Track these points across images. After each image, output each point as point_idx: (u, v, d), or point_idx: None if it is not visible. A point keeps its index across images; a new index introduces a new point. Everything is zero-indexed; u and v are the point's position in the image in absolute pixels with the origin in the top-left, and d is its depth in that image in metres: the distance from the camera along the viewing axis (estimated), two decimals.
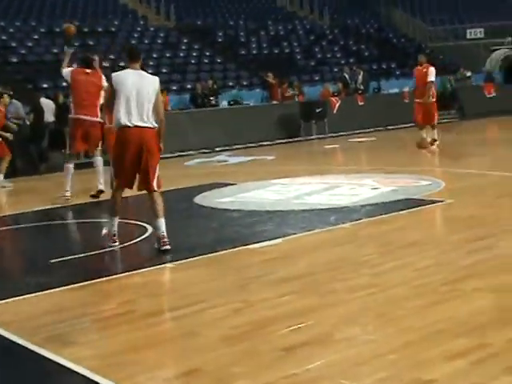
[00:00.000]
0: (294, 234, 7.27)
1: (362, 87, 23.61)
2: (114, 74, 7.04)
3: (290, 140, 19.44)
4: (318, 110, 20.30)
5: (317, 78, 27.12)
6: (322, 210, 8.54)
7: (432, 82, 14.46)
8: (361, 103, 21.99)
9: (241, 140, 18.70)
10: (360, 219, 7.77)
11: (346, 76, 24.67)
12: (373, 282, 5.32)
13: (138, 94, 6.74)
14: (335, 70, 28.36)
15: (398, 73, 29.26)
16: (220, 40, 29.69)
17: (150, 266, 6.30)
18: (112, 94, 6.92)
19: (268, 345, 4.15)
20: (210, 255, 6.55)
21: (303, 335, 4.27)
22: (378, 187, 9.91)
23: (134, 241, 7.40)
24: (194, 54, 27.45)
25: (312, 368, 3.74)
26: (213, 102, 21.18)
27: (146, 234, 7.55)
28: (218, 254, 6.59)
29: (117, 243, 7.02)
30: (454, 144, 16.69)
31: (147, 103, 6.76)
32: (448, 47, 33.77)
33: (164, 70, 23.53)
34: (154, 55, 26.09)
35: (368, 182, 10.47)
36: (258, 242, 6.96)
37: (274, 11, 35.42)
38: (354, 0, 40.17)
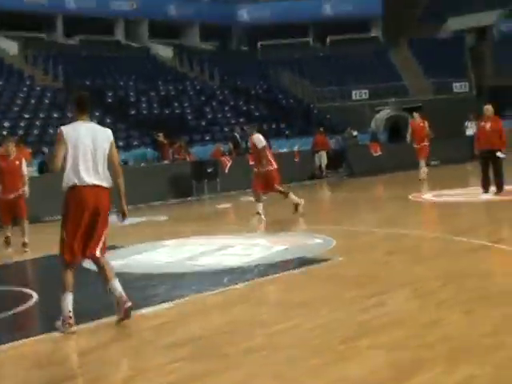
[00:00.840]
0: (186, 296, 7.15)
1: None
2: (63, 128, 6.29)
3: (183, 200, 19.39)
4: (209, 170, 20.38)
5: (208, 138, 27.37)
6: (214, 271, 8.46)
7: (264, 147, 13.45)
8: (251, 162, 22.16)
9: (131, 201, 18.37)
10: (252, 279, 7.73)
11: (237, 136, 24.97)
12: (268, 343, 5.27)
13: (93, 148, 6.18)
14: (226, 129, 28.72)
15: (287, 132, 29.90)
16: (110, 100, 29.57)
17: (37, 335, 6.01)
18: (61, 150, 6.17)
19: None
20: (98, 321, 6.31)
21: None
22: (270, 246, 9.95)
23: (19, 309, 7.07)
24: None
25: None
26: None
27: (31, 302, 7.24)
28: (108, 319, 6.36)
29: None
30: (343, 202, 17.11)
31: (102, 159, 6.24)
32: (335, 108, 34.97)
33: (51, 131, 23.07)
34: (41, 115, 25.65)
35: (260, 242, 10.51)
36: (149, 306, 6.79)
37: (164, 72, 35.70)
38: (243, 61, 41.13)
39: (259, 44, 43.36)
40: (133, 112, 28.85)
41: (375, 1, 44.49)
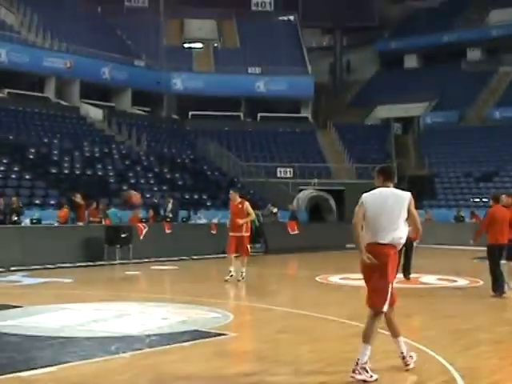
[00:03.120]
0: (71, 362, 7.11)
1: (170, 215, 24.03)
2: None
3: (92, 264, 19.20)
4: (123, 235, 20.30)
5: None
6: (106, 338, 8.43)
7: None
8: (168, 231, 22.30)
9: (40, 261, 18.17)
10: (141, 349, 7.76)
11: (157, 203, 25.08)
12: None
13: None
14: (147, 196, 28.75)
15: (208, 204, 30.15)
16: (31, 157, 29.35)
17: None
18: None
19: None
20: None
21: None
22: (167, 317, 9.98)
23: None
24: (1, 168, 26.90)
25: None
26: (15, 219, 20.58)
27: None
28: None
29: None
30: (252, 277, 17.27)
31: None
32: (259, 183, 35.46)
33: None
34: None
35: (159, 311, 10.53)
36: (30, 370, 6.73)
37: (91, 133, 35.75)
38: (172, 129, 41.59)
39: (190, 114, 43.95)
40: (54, 171, 28.66)
41: (308, 83, 45.85)
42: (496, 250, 12.48)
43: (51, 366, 6.91)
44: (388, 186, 6.74)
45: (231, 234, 14.84)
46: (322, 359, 7.32)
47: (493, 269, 12.59)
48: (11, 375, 6.54)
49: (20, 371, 6.67)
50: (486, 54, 51.65)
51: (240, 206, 14.86)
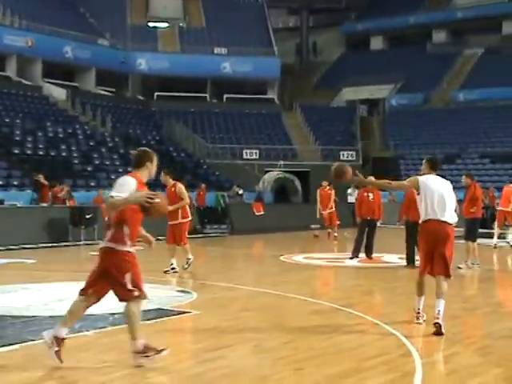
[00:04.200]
0: (34, 340, 7.20)
1: None
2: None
3: (56, 244, 19.19)
4: (88, 216, 20.29)
5: (93, 184, 27.23)
6: None
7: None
8: None
9: (3, 241, 18.12)
10: (104, 327, 7.87)
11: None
12: None
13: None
14: (112, 177, 28.63)
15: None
16: None
17: None
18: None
19: None
20: None
21: None
22: None
23: None
24: None
25: None
26: None
27: None
28: None
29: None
30: (217, 257, 17.45)
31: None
32: (225, 165, 35.56)
33: None
34: None
35: None
36: None
37: (54, 113, 35.42)
38: (137, 110, 41.39)
39: (155, 94, 43.77)
40: (16, 151, 28.42)
41: (274, 64, 45.89)
42: (411, 226, 12.99)
43: (14, 344, 6.98)
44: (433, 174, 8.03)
45: (168, 222, 12.89)
46: (282, 336, 7.51)
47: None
48: None
49: None
50: (451, 37, 52.15)
51: (173, 189, 12.82)
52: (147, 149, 6.66)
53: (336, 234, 21.50)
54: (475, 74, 45.67)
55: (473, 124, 40.20)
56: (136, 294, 6.22)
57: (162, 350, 6.22)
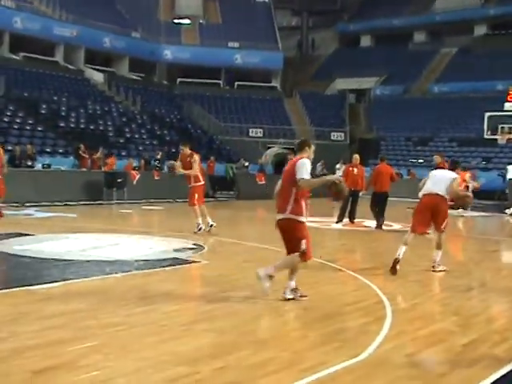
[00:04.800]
0: (73, 279, 7.30)
1: (158, 165, 24.03)
2: None
3: (93, 202, 19.27)
4: (119, 180, 20.34)
5: (124, 154, 27.25)
6: (101, 261, 8.62)
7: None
8: (157, 178, 22.36)
9: (49, 199, 18.22)
10: (130, 271, 7.96)
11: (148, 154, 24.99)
12: (124, 321, 5.50)
13: None
14: (140, 148, 28.72)
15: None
16: (43, 112, 29.03)
17: None
18: None
19: (20, 368, 4.18)
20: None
21: (53, 361, 4.35)
22: (152, 247, 10.18)
23: None
24: (18, 120, 26.60)
25: None
26: (29, 164, 20.51)
27: None
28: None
29: None
30: (226, 218, 17.49)
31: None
32: (234, 141, 35.48)
33: None
34: None
35: (146, 242, 10.71)
36: (39, 284, 6.90)
37: (93, 93, 35.30)
38: (162, 93, 41.19)
39: (178, 80, 43.52)
40: (62, 124, 28.40)
41: (278, 57, 45.50)
42: (378, 196, 14.39)
43: (56, 281, 7.08)
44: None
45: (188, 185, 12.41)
46: (275, 284, 7.55)
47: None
48: (23, 288, 6.72)
49: (30, 285, 6.84)
50: (429, 37, 51.49)
51: (188, 158, 12.24)
52: (307, 138, 7.37)
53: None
54: (449, 70, 45.19)
55: (444, 112, 39.89)
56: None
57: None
